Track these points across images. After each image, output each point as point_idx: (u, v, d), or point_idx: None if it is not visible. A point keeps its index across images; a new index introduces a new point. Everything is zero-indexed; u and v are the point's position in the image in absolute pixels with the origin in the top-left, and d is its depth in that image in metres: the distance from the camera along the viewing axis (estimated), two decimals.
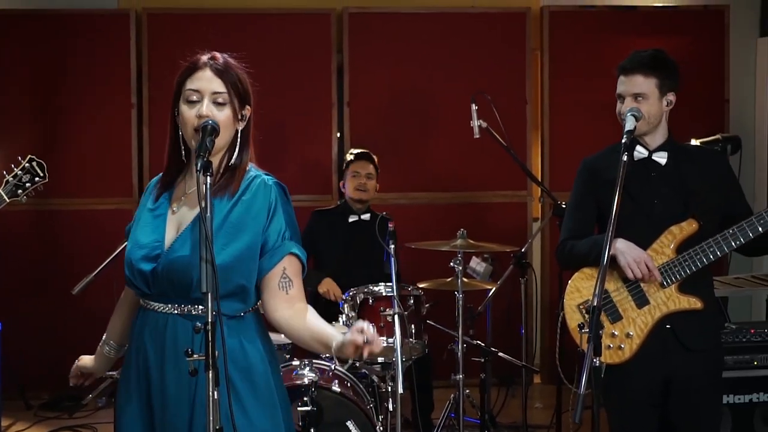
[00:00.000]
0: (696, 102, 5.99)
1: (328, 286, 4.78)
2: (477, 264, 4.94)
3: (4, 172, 4.03)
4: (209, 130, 2.22)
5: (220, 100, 2.30)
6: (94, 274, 3.72)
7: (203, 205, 2.08)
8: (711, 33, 6.21)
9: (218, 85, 2.30)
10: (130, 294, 2.50)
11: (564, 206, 4.21)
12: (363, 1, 6.13)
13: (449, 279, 4.42)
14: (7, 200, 3.95)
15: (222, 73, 2.31)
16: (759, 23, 6.35)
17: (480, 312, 4.73)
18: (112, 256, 3.80)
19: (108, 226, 5.73)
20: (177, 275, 2.26)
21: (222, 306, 2.11)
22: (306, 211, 5.50)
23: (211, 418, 1.95)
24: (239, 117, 2.34)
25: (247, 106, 2.37)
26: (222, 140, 2.30)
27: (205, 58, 2.33)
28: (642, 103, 3.07)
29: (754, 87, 6.37)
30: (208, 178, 2.10)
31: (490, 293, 4.69)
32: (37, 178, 4.01)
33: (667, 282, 3.04)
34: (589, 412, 2.67)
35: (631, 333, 3.06)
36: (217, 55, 2.35)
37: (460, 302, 4.24)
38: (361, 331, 2.17)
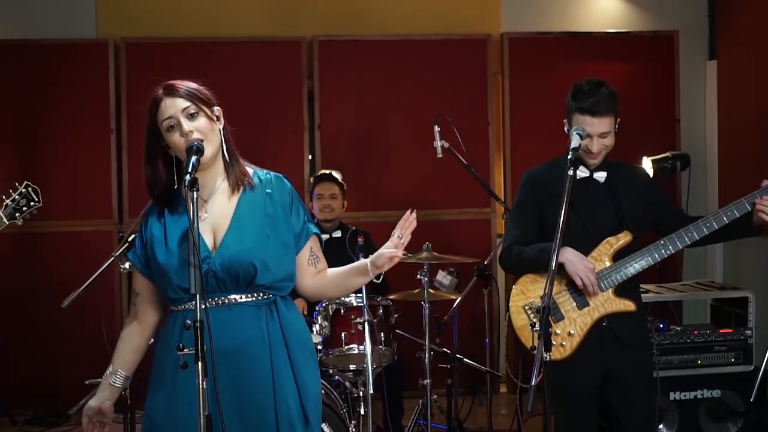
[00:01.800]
0: (648, 122, 6.27)
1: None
2: (443, 277, 5.13)
3: (3, 197, 4.24)
4: (194, 149, 2.47)
5: (191, 111, 2.54)
6: (82, 288, 3.95)
7: (191, 217, 2.32)
8: (662, 57, 6.44)
9: (182, 102, 2.54)
10: (143, 324, 2.68)
11: None
12: (332, 29, 6.32)
13: (416, 290, 4.61)
14: (6, 222, 4.18)
15: (178, 92, 2.56)
16: (707, 47, 6.60)
17: (446, 321, 4.92)
18: (98, 272, 4.05)
19: (89, 246, 5.92)
20: (235, 268, 2.51)
21: (281, 289, 2.58)
22: None
23: (201, 404, 2.18)
24: (214, 118, 2.60)
25: (215, 107, 2.62)
26: (213, 144, 2.57)
27: (160, 91, 2.57)
28: (608, 137, 3.29)
29: (703, 107, 6.58)
30: (195, 193, 2.35)
31: (456, 303, 4.90)
32: (32, 203, 4.23)
33: (604, 287, 3.32)
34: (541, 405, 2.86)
35: (573, 332, 3.32)
36: (169, 82, 2.59)
37: (427, 312, 4.41)
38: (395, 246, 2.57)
